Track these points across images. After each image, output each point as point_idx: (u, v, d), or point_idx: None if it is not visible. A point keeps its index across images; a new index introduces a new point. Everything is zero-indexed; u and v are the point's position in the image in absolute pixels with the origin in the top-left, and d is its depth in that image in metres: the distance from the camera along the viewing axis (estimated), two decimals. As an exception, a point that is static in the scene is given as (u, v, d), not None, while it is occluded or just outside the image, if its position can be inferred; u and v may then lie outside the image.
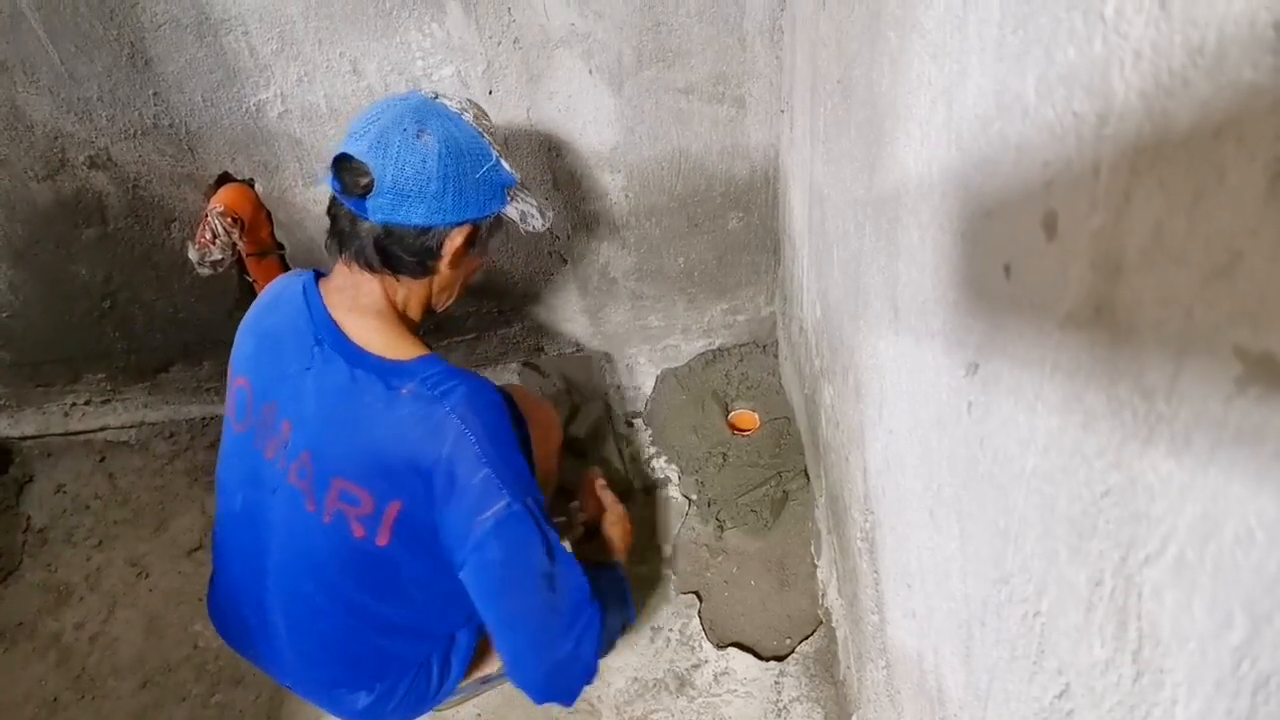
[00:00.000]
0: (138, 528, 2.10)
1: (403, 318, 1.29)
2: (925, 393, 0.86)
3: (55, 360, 2.15)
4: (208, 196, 1.78)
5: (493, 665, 1.63)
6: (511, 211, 1.28)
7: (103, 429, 2.30)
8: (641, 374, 2.29)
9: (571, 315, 2.15)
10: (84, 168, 1.77)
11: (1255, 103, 0.34)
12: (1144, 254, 0.43)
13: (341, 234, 1.23)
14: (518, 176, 1.30)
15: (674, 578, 1.87)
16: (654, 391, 2.25)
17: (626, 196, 1.88)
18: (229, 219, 1.67)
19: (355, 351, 1.22)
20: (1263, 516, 0.36)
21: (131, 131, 1.71)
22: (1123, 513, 0.48)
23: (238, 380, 1.33)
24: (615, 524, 1.55)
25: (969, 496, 0.75)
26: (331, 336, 1.23)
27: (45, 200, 1.82)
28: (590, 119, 1.75)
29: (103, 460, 2.25)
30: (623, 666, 1.74)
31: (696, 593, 1.84)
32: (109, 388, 2.23)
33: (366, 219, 1.19)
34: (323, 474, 1.21)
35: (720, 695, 1.68)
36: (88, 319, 2.05)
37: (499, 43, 1.62)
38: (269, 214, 1.85)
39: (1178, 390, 0.41)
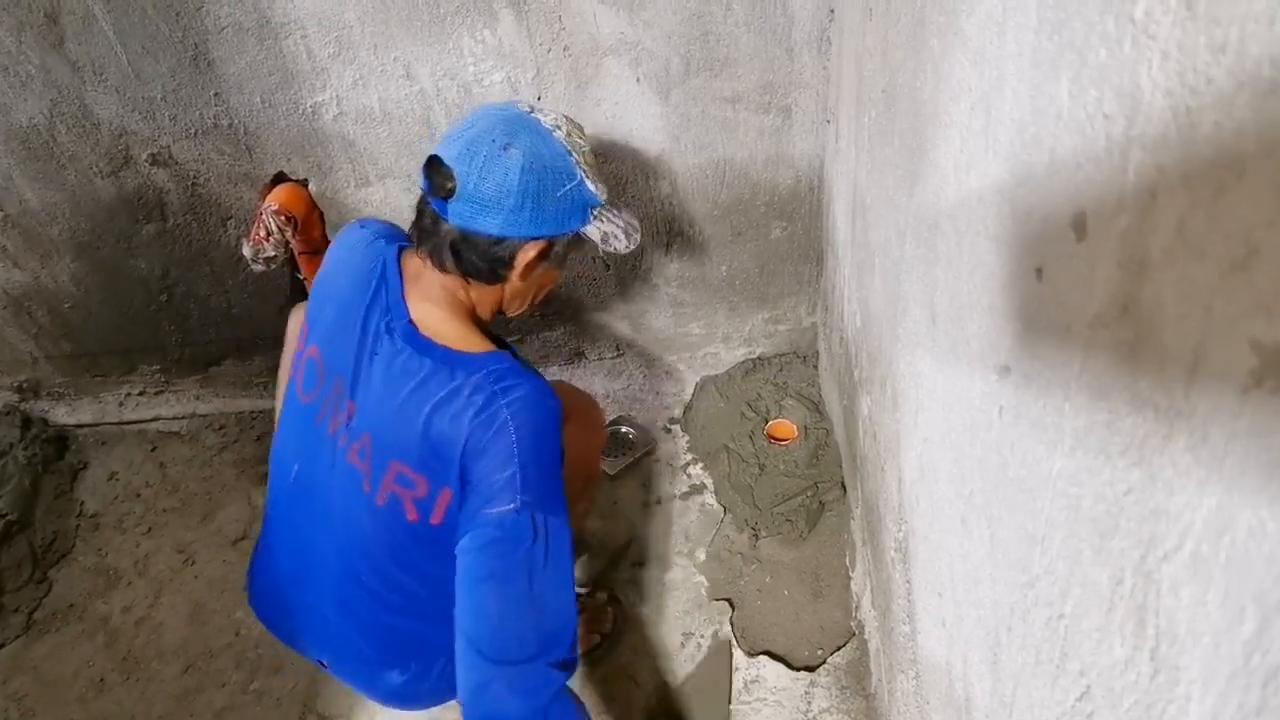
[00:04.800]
0: (186, 516, 2.15)
1: (473, 315, 1.32)
2: (959, 399, 0.87)
3: (112, 351, 2.22)
4: (263, 195, 1.83)
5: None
6: (592, 231, 1.31)
7: (155, 419, 2.37)
8: (681, 380, 2.30)
9: (613, 320, 2.17)
10: (146, 165, 1.83)
11: (1274, 99, 0.35)
12: (1167, 251, 0.44)
13: (423, 230, 1.28)
14: (603, 197, 1.32)
15: (706, 584, 1.87)
16: (693, 398, 2.26)
17: (671, 204, 1.90)
18: (283, 217, 1.71)
19: (424, 341, 1.24)
20: (1275, 507, 0.37)
21: (193, 130, 1.77)
22: (1143, 510, 0.48)
23: (310, 349, 1.35)
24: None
25: (998, 501, 0.76)
26: (403, 324, 1.26)
27: (109, 196, 1.88)
28: (636, 126, 1.77)
29: (154, 450, 2.31)
30: (653, 670, 1.74)
31: (729, 600, 1.84)
32: (163, 379, 2.29)
33: (447, 221, 1.23)
34: (381, 457, 1.23)
35: (750, 703, 1.68)
36: (145, 312, 2.11)
37: (549, 50, 1.64)
38: (321, 214, 1.90)
39: (1196, 385, 0.42)
